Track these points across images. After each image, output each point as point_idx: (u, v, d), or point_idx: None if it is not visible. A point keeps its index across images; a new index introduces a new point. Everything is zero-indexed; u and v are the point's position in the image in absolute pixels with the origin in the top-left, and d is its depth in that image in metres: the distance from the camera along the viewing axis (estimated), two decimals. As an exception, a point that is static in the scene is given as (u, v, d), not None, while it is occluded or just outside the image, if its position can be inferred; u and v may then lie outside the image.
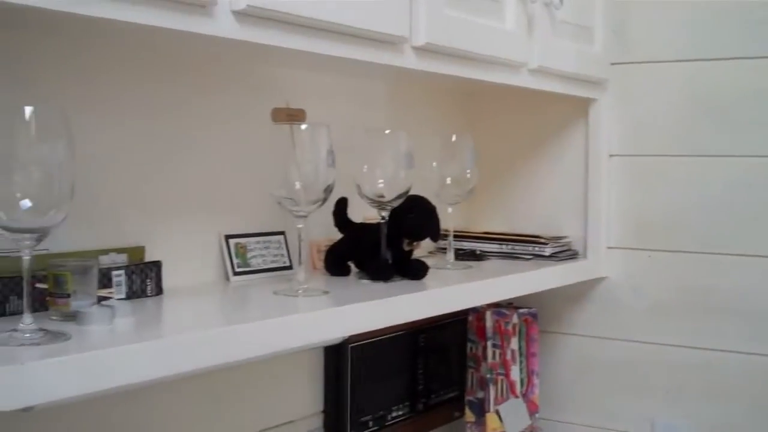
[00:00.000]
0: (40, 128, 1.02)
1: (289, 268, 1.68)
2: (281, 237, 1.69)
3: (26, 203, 1.01)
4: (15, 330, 1.04)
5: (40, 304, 1.21)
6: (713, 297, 1.99)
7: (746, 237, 1.95)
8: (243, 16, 1.14)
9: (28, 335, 1.03)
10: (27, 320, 1.05)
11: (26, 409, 1.14)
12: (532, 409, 2.08)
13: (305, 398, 1.80)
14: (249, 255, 1.62)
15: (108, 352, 1.01)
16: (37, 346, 1.02)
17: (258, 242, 1.64)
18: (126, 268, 1.35)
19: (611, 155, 2.08)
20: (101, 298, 1.23)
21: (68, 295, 1.17)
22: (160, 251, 1.44)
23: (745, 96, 1.94)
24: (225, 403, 1.61)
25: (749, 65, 1.93)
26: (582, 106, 2.06)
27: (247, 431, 1.66)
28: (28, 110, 1.01)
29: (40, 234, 1.04)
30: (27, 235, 1.03)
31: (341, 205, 1.70)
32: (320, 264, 1.75)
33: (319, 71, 1.67)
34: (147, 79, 1.43)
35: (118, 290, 1.33)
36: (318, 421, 1.82)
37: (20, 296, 1.20)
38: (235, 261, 1.59)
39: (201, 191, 1.54)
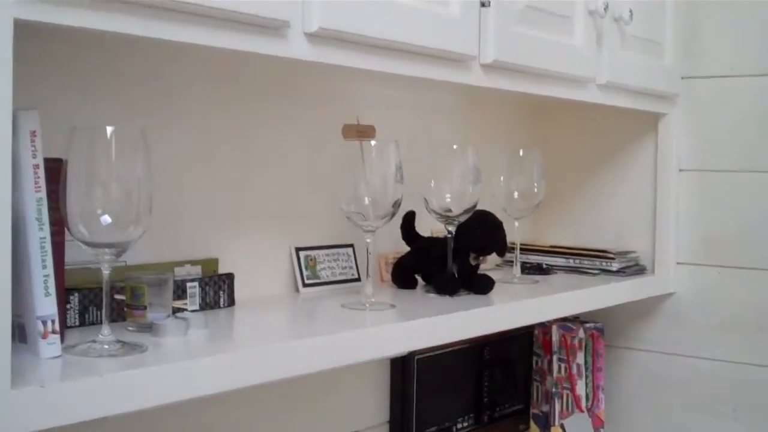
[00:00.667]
0: (120, 146, 1.06)
1: (358, 280, 1.70)
2: (350, 249, 1.71)
3: (106, 219, 1.05)
4: (94, 341, 1.08)
5: (118, 314, 1.25)
6: (784, 315, 1.97)
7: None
8: (315, 38, 1.17)
9: (106, 346, 1.07)
10: (105, 332, 1.08)
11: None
12: (597, 424, 2.08)
13: (371, 408, 1.82)
14: (318, 267, 1.64)
15: (182, 365, 1.05)
16: (114, 358, 1.06)
17: (327, 254, 1.67)
18: (200, 280, 1.39)
19: (681, 170, 2.06)
20: (176, 310, 1.27)
21: (144, 308, 1.21)
22: (233, 263, 1.48)
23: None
24: (292, 412, 1.64)
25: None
26: (651, 121, 2.05)
27: (311, 440, 1.69)
28: (108, 129, 1.05)
29: (120, 249, 1.08)
30: (107, 250, 1.07)
31: (409, 218, 1.72)
32: (388, 276, 1.77)
33: (387, 86, 1.70)
34: (220, 95, 1.47)
35: (191, 301, 1.37)
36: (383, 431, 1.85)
37: (99, 307, 1.25)
38: (304, 273, 1.62)
39: (272, 205, 1.57)
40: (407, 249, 1.74)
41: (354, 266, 1.72)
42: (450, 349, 1.91)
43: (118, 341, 1.08)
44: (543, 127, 2.21)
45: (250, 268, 1.51)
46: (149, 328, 1.19)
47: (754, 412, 2.00)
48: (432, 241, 1.73)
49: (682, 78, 2.02)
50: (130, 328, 1.21)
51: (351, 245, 1.72)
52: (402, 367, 1.84)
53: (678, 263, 2.08)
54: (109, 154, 1.06)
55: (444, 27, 1.36)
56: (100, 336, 1.08)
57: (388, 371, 1.85)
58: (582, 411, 2.05)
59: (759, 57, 1.97)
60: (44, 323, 1.03)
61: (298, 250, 1.62)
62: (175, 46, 1.08)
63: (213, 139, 1.46)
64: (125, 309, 1.23)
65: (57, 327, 1.04)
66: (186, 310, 1.32)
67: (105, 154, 1.05)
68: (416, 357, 1.83)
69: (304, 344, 1.20)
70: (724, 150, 2.03)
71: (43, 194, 1.03)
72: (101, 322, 1.16)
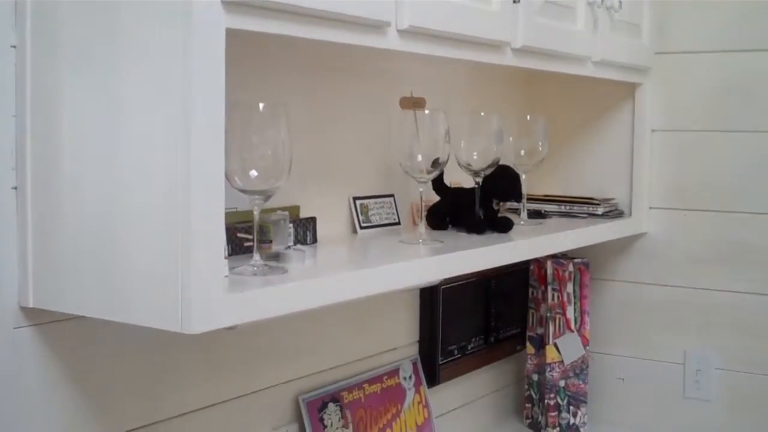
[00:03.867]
0: (268, 118, 1.40)
1: (398, 223, 2.07)
2: (391, 199, 2.07)
3: (254, 173, 1.40)
4: (249, 265, 1.42)
5: (240, 249, 1.60)
6: (740, 249, 2.38)
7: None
8: (405, 33, 1.52)
9: (257, 268, 1.42)
10: (256, 257, 1.43)
11: (230, 328, 1.55)
12: (584, 343, 2.49)
13: (404, 329, 2.19)
14: (370, 213, 2.00)
15: (321, 280, 1.42)
16: (266, 276, 1.40)
17: (376, 203, 2.03)
18: (294, 221, 1.74)
19: (653, 130, 2.47)
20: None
21: (270, 242, 1.56)
22: (308, 209, 1.83)
23: (768, 81, 2.34)
24: (345, 331, 2.00)
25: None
26: (629, 89, 2.45)
27: (363, 354, 2.06)
28: (261, 105, 1.40)
29: (267, 195, 1.42)
30: (257, 196, 1.42)
31: (440, 173, 2.07)
32: (418, 221, 2.13)
33: (424, 66, 2.05)
34: (303, 77, 1.81)
35: (288, 239, 1.72)
36: (414, 349, 2.22)
37: (228, 242, 1.59)
38: (360, 218, 1.98)
39: (336, 162, 1.92)
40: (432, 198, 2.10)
41: (395, 212, 2.08)
42: (466, 281, 2.29)
43: (266, 265, 1.44)
44: (537, 94, 2.58)
45: (319, 214, 1.86)
46: (276, 257, 1.54)
47: (715, 330, 2.43)
48: (458, 191, 2.09)
49: (655, 53, 2.42)
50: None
51: (392, 195, 2.08)
52: (430, 296, 2.22)
53: (650, 208, 2.49)
54: (260, 124, 1.40)
55: (488, 20, 1.72)
56: (252, 261, 1.43)
57: (418, 299, 2.23)
58: (572, 331, 2.46)
59: (718, 37, 2.38)
60: (219, 251, 1.37)
61: (355, 199, 1.98)
62: (304, 42, 1.42)
63: (295, 111, 1.80)
64: (255, 243, 1.57)
65: (227, 254, 1.38)
66: (290, 246, 1.67)
67: (256, 123, 1.39)
68: (442, 287, 2.21)
69: (389, 268, 1.57)
70: (689, 113, 2.43)
71: (217, 154, 1.37)
72: (230, 255, 1.52)
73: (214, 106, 1.19)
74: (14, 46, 1.33)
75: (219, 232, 1.22)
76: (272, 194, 1.43)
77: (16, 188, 1.34)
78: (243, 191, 1.41)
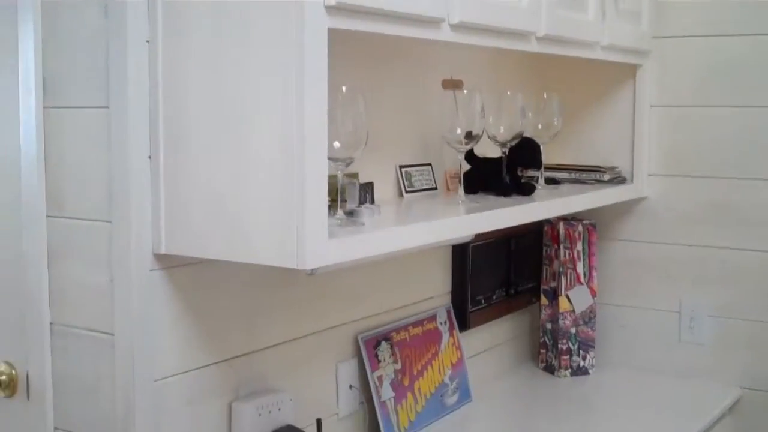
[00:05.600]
0: (349, 98, 1.72)
1: (435, 189, 2.39)
2: (429, 167, 2.40)
3: (337, 144, 1.71)
4: (334, 218, 1.74)
5: (317, 208, 1.91)
6: (728, 209, 2.72)
7: (751, 165, 2.69)
8: (456, 27, 1.84)
9: (341, 220, 1.74)
10: (340, 212, 1.75)
11: (312, 272, 1.87)
12: (592, 294, 2.82)
13: (438, 281, 2.53)
14: (413, 179, 2.33)
15: (391, 230, 1.75)
16: (348, 227, 1.72)
17: (417, 170, 2.35)
18: (358, 185, 2.06)
19: (652, 106, 2.80)
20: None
21: (345, 201, 1.88)
22: (363, 176, 2.15)
23: (752, 63, 2.67)
24: (389, 282, 2.33)
25: (758, 40, 2.66)
26: (630, 70, 2.78)
27: (406, 302, 2.39)
28: (344, 88, 1.71)
29: (348, 162, 1.74)
30: (340, 163, 1.74)
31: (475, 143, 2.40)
32: (452, 186, 2.46)
33: (454, 52, 2.37)
34: (360, 65, 2.12)
35: (356, 200, 2.03)
36: (447, 299, 2.56)
37: (306, 202, 1.91)
38: (405, 183, 2.30)
39: (385, 136, 2.24)
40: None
41: (432, 179, 2.40)
42: (491, 240, 2.62)
43: (347, 218, 1.76)
44: (548, 75, 2.89)
45: (371, 179, 2.18)
46: (351, 213, 1.86)
47: (706, 281, 2.77)
48: (486, 160, 2.42)
49: (653, 38, 2.75)
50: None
51: (429, 164, 2.40)
52: (461, 252, 2.55)
53: (650, 174, 2.82)
54: (343, 103, 1.71)
55: (519, 14, 2.04)
56: (337, 215, 1.74)
57: (450, 255, 2.56)
58: (582, 284, 2.80)
59: (708, 23, 2.70)
60: (312, 206, 1.69)
61: (400, 167, 2.30)
62: (374, 36, 1.73)
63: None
64: (339, 201, 1.85)
65: (318, 209, 1.71)
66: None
67: (340, 103, 1.71)
68: (471, 245, 2.54)
69: (448, 221, 1.90)
70: (683, 91, 2.76)
71: (311, 128, 1.69)
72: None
73: (320, 88, 1.51)
74: (148, 41, 1.64)
75: (324, 190, 1.55)
76: (352, 161, 1.75)
77: (150, 157, 1.66)
78: (330, 158, 1.72)
